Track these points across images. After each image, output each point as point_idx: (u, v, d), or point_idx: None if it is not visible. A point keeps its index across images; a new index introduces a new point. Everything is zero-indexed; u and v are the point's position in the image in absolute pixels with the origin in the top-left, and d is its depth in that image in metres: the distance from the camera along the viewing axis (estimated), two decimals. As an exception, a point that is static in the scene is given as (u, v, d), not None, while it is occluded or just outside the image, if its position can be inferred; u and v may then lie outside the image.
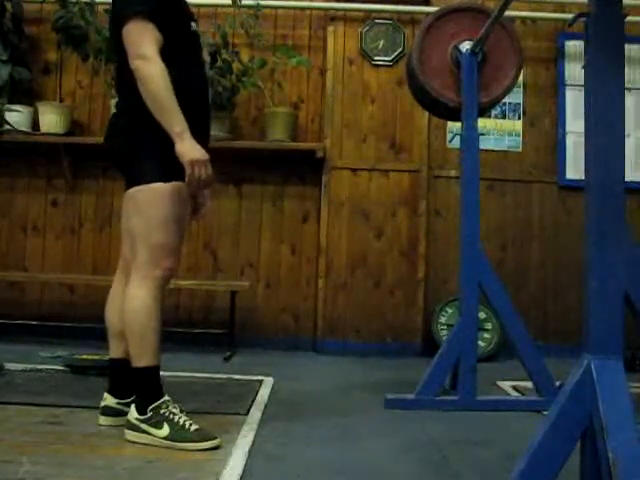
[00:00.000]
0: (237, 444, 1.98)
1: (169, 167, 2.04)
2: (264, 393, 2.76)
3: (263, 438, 2.08)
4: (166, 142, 2.01)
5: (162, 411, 2.00)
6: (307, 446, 2.05)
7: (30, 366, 3.04)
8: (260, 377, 3.08)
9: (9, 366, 2.96)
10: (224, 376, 3.09)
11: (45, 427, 2.09)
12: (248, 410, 2.42)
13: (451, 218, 4.08)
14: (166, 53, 2.02)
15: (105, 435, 2.05)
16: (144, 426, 1.99)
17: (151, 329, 2.05)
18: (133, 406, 2.04)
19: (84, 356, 3.13)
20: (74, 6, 3.92)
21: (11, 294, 4.25)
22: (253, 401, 2.58)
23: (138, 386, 2.07)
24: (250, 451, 1.92)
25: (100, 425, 2.13)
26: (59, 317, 4.20)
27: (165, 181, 2.05)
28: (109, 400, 2.17)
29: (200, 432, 1.98)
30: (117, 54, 2.15)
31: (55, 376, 2.92)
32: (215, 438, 1.97)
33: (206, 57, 2.58)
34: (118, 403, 2.16)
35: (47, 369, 3.03)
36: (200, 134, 2.08)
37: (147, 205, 2.06)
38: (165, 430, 1.97)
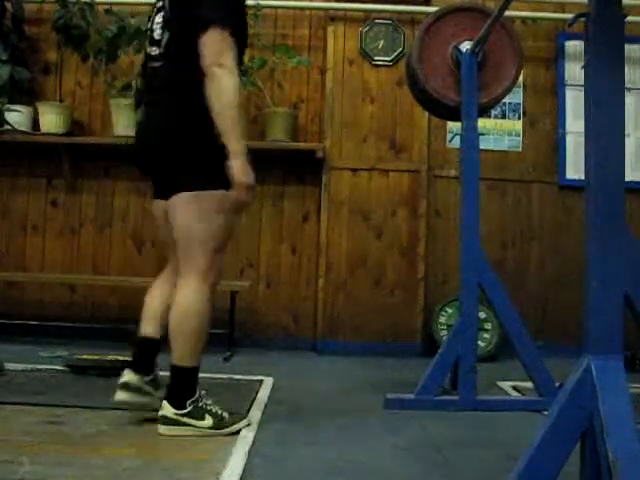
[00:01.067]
0: (237, 444, 1.98)
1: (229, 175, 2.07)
2: (264, 393, 2.76)
3: (263, 438, 2.08)
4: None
5: (200, 404, 2.13)
6: (307, 446, 2.05)
7: (30, 366, 3.04)
8: (260, 377, 3.08)
9: (9, 366, 2.95)
10: (224, 376, 3.09)
11: (45, 427, 2.09)
12: (248, 410, 2.42)
13: (451, 218, 4.08)
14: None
15: (105, 435, 2.05)
16: (186, 419, 2.09)
17: (204, 332, 2.16)
18: (166, 403, 2.10)
19: (84, 356, 3.13)
20: (74, 6, 3.92)
21: (11, 294, 4.25)
22: (253, 401, 2.58)
23: (177, 383, 2.13)
24: (250, 451, 1.92)
25: (117, 401, 2.16)
26: (59, 317, 4.20)
27: (228, 189, 2.08)
28: (130, 376, 2.20)
29: (232, 416, 2.17)
30: (175, 48, 2.15)
31: (55, 376, 2.91)
32: (245, 417, 2.23)
33: None
34: (139, 380, 2.20)
35: (47, 369, 3.03)
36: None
37: (210, 212, 2.11)
38: (209, 421, 2.11)
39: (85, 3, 3.94)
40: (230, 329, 3.77)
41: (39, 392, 2.56)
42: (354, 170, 4.18)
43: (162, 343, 2.27)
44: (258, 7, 4.03)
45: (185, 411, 2.09)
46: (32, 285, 4.27)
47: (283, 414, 2.45)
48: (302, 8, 4.35)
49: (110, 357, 3.16)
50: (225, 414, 2.14)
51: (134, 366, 2.23)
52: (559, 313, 4.18)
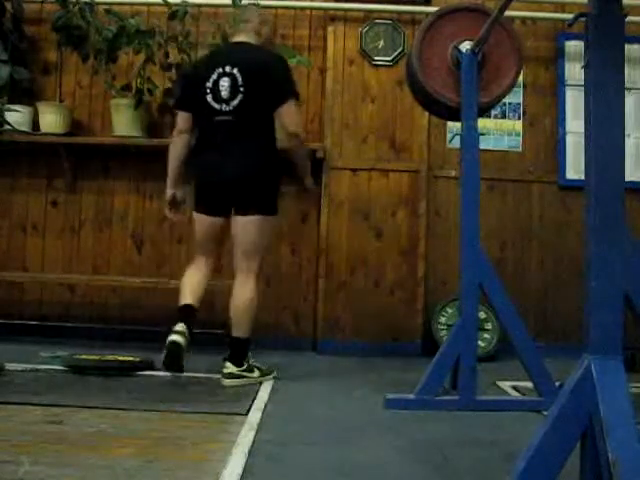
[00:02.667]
0: (237, 444, 1.98)
1: None
2: (264, 393, 2.76)
3: (263, 438, 2.08)
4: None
5: (250, 362, 3.04)
6: (307, 446, 2.05)
7: (30, 366, 3.04)
8: (260, 377, 3.08)
9: (9, 366, 2.95)
10: (224, 376, 3.10)
11: (45, 427, 2.10)
12: (248, 410, 2.42)
13: (451, 218, 4.08)
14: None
15: (105, 435, 2.05)
16: (245, 373, 2.97)
17: (255, 312, 3.01)
18: (230, 363, 2.94)
19: (84, 356, 3.13)
20: (74, 6, 3.92)
21: (11, 294, 4.25)
22: (253, 401, 2.58)
23: (240, 349, 2.98)
24: (250, 451, 1.92)
25: (171, 340, 2.85)
26: (59, 317, 4.20)
27: (276, 215, 3.10)
28: (180, 326, 2.93)
29: (268, 368, 3.12)
30: (247, 108, 2.97)
31: (55, 376, 2.92)
32: (273, 371, 3.14)
33: None
34: (185, 328, 2.94)
35: (47, 369, 3.03)
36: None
37: (269, 231, 3.08)
38: (256, 373, 3.02)
39: (85, 3, 3.93)
40: (230, 329, 3.77)
41: (39, 392, 2.57)
42: (354, 170, 4.18)
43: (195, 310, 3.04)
44: (258, 7, 4.03)
45: (243, 368, 2.97)
46: (32, 285, 4.27)
47: (283, 414, 2.45)
48: (302, 8, 4.35)
49: (110, 357, 3.16)
50: (264, 367, 3.09)
51: (185, 321, 2.98)
52: (559, 313, 4.18)
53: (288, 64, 3.15)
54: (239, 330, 2.98)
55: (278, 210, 3.09)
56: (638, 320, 1.59)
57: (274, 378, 3.08)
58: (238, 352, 2.97)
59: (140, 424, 2.19)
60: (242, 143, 3.00)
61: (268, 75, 2.98)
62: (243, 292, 2.98)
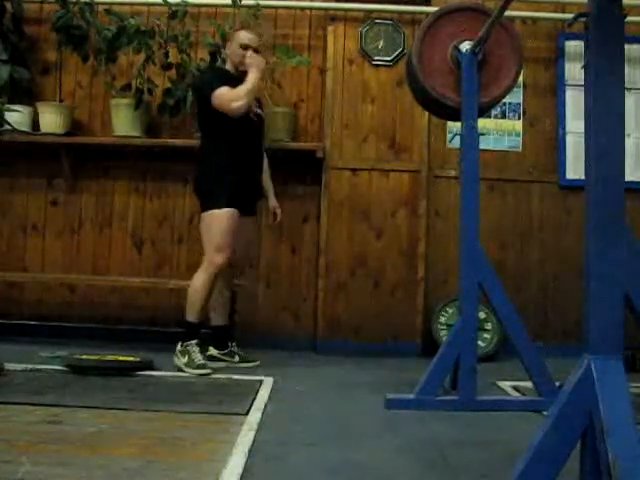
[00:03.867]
0: (237, 444, 1.97)
1: None
2: (264, 393, 2.76)
3: (263, 438, 2.08)
4: None
5: (191, 351, 3.25)
6: (307, 446, 2.05)
7: (30, 366, 3.04)
8: (260, 377, 3.08)
9: (9, 366, 2.95)
10: (224, 376, 3.10)
11: (45, 427, 2.10)
12: (248, 410, 2.42)
13: (451, 218, 4.07)
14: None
15: (105, 435, 2.05)
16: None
17: (200, 302, 3.30)
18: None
19: (84, 356, 3.13)
20: (74, 6, 3.92)
21: (11, 294, 4.25)
22: (253, 401, 2.58)
23: (184, 331, 3.31)
24: (250, 451, 1.92)
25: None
26: (59, 317, 4.20)
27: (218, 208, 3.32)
28: (213, 351, 3.48)
29: (202, 363, 3.24)
30: (199, 117, 3.51)
31: (55, 376, 2.92)
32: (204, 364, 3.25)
33: None
34: (219, 353, 3.48)
35: (47, 369, 3.03)
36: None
37: (210, 225, 3.31)
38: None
39: (85, 3, 3.93)
40: (230, 329, 3.77)
41: (39, 392, 2.57)
42: (354, 170, 4.18)
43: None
44: (258, 7, 4.03)
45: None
46: (32, 285, 4.27)
47: (283, 414, 2.45)
48: (302, 8, 4.35)
49: (110, 357, 3.16)
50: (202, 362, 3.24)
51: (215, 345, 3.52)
52: (559, 313, 4.18)
53: (205, 73, 3.71)
54: (187, 314, 3.29)
55: (221, 203, 3.26)
56: (638, 320, 1.59)
57: (204, 374, 3.13)
58: (183, 334, 3.27)
59: (140, 424, 2.19)
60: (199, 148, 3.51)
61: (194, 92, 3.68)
62: (192, 282, 3.30)
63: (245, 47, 3.39)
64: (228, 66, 3.50)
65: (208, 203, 3.32)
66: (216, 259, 3.23)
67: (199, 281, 3.25)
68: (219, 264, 3.24)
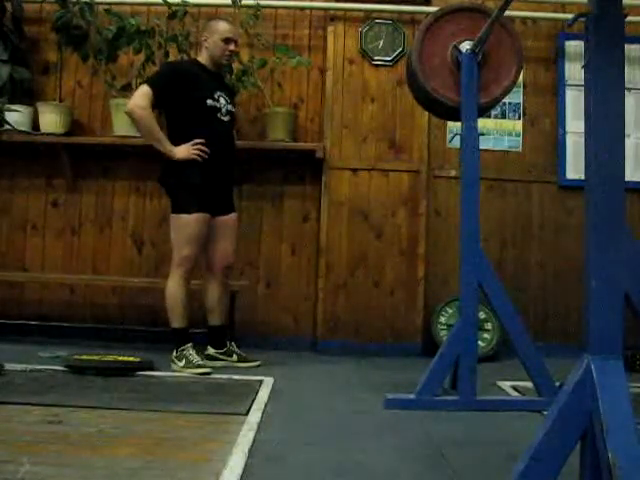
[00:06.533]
0: (237, 444, 1.97)
1: None
2: (264, 393, 2.75)
3: (263, 438, 2.08)
4: None
5: (187, 354, 3.24)
6: (307, 446, 2.05)
7: (30, 366, 3.04)
8: (260, 377, 3.08)
9: (9, 366, 2.95)
10: (224, 376, 3.10)
11: (45, 427, 2.09)
12: (248, 410, 2.42)
13: (451, 218, 4.08)
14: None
15: (105, 435, 2.05)
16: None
17: (173, 304, 3.29)
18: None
19: (84, 356, 3.13)
20: (74, 6, 3.92)
21: (11, 294, 4.25)
22: (253, 401, 2.58)
23: (174, 340, 3.29)
24: (250, 451, 1.92)
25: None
26: (59, 317, 4.20)
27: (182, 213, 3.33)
28: (210, 350, 3.44)
29: (199, 363, 3.22)
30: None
31: (55, 376, 2.91)
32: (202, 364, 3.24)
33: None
34: (216, 352, 3.44)
35: (47, 369, 3.02)
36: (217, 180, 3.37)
37: (177, 227, 3.34)
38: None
39: (85, 3, 3.93)
40: (230, 329, 3.77)
41: (39, 392, 2.57)
42: (354, 170, 4.18)
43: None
44: (258, 7, 4.03)
45: (176, 355, 3.20)
46: (32, 285, 4.27)
47: (283, 414, 2.45)
48: (302, 8, 4.35)
49: (110, 357, 3.16)
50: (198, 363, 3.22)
51: (212, 344, 3.47)
52: (559, 313, 4.18)
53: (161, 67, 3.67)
54: (171, 322, 3.27)
55: (190, 209, 3.24)
56: (638, 320, 1.59)
57: (204, 374, 3.11)
58: (175, 342, 3.25)
59: (140, 424, 2.19)
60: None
61: None
62: (166, 290, 3.27)
63: (228, 40, 3.32)
64: (203, 58, 3.39)
65: (177, 206, 3.29)
66: (181, 263, 3.24)
67: (171, 286, 3.24)
68: (185, 268, 3.24)
